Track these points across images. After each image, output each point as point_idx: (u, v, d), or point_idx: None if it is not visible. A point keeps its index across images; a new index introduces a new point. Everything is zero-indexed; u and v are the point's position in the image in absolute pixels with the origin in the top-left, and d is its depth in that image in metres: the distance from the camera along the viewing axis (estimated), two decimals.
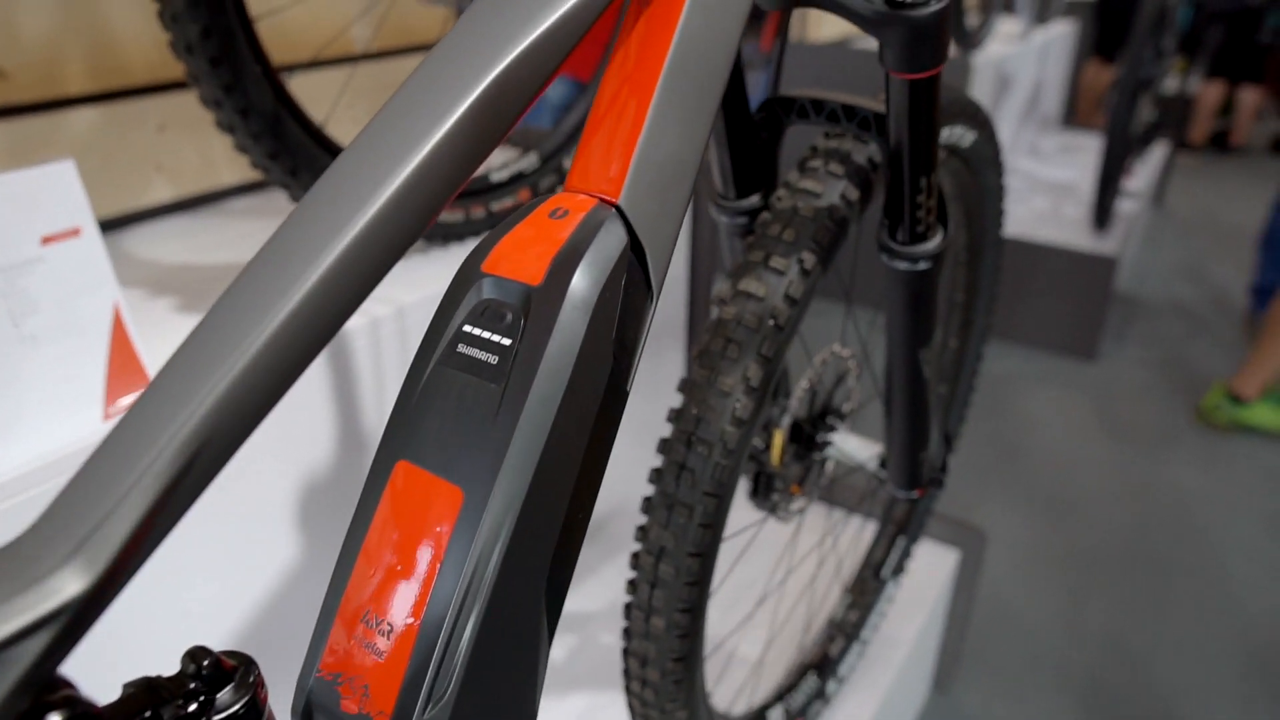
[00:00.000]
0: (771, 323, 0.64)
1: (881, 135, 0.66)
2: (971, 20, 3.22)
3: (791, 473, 0.91)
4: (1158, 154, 3.98)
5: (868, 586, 1.20)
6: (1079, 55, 4.47)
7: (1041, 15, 3.85)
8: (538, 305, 0.39)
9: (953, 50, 2.85)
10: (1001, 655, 1.69)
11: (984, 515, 2.07)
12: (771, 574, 1.20)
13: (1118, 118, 2.82)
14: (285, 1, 1.23)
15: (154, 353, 0.84)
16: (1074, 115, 4.82)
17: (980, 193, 1.00)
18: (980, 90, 2.87)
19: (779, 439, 0.87)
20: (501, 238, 0.42)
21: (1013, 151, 3.62)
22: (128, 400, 0.80)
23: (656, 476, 0.67)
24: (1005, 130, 3.39)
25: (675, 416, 0.66)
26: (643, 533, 0.68)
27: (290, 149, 0.92)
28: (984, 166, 0.96)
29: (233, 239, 1.19)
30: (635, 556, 0.69)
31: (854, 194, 0.68)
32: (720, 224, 0.75)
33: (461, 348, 0.40)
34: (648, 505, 0.68)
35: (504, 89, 0.38)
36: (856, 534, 1.33)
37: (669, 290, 1.43)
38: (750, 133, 0.71)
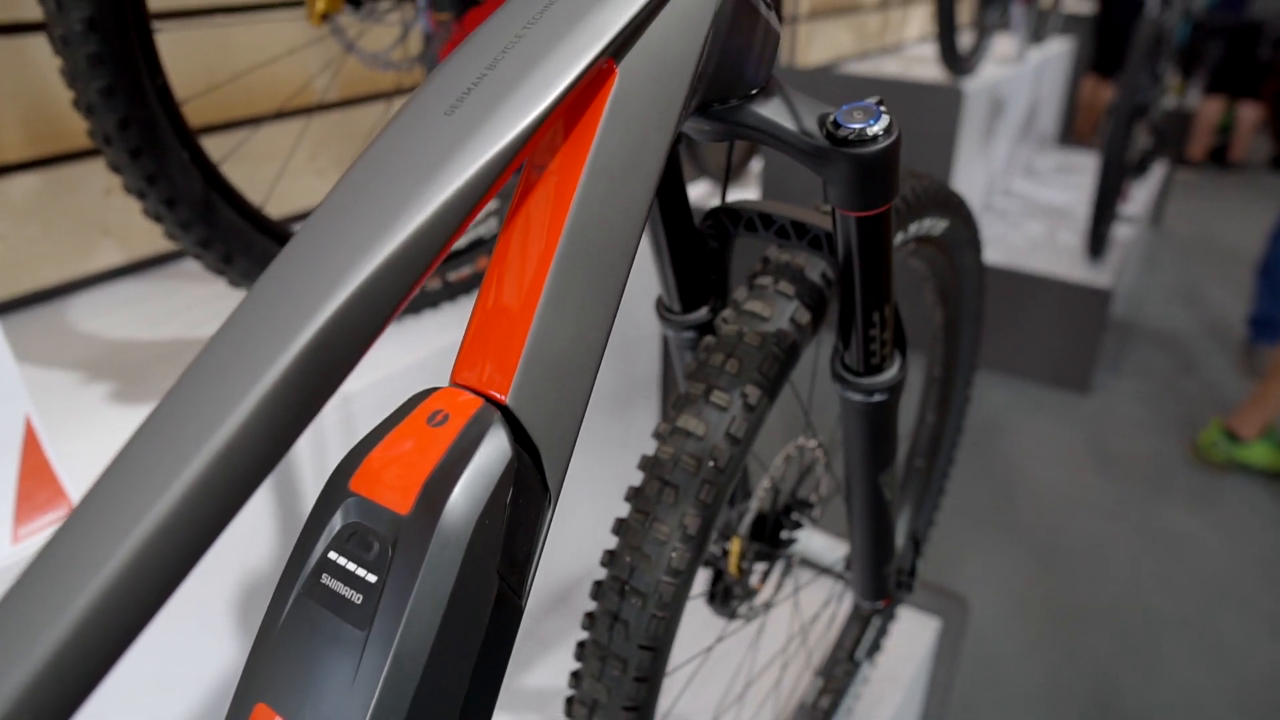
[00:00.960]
0: (712, 464, 0.59)
1: (834, 254, 0.61)
2: (964, 43, 3.18)
3: (753, 575, 0.87)
4: (1156, 173, 3.93)
5: (840, 669, 1.15)
6: (1076, 72, 4.42)
7: (1038, 34, 3.81)
8: (406, 538, 0.34)
9: (944, 76, 2.80)
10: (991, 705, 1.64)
11: (972, 561, 2.02)
12: (733, 678, 1.15)
13: (1112, 147, 2.77)
14: (219, 81, 1.18)
15: (76, 458, 0.79)
16: (1072, 132, 4.77)
17: (956, 273, 0.95)
18: (973, 116, 2.82)
19: (736, 546, 0.82)
20: (374, 447, 0.37)
21: (1008, 173, 3.58)
22: (40, 522, 0.75)
23: (590, 622, 0.62)
24: (999, 152, 3.34)
25: (609, 560, 0.61)
26: (575, 679, 0.64)
27: (224, 235, 0.88)
28: (959, 249, 0.91)
29: (181, 306, 1.15)
30: (569, 703, 0.64)
31: (805, 317, 0.63)
32: (668, 337, 0.71)
33: (325, 578, 0.35)
34: (580, 651, 0.63)
35: (366, 298, 0.33)
36: (828, 604, 1.28)
37: (645, 342, 1.39)
38: (695, 245, 0.66)
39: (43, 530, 0.75)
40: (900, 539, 1.21)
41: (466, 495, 0.35)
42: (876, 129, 0.49)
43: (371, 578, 0.34)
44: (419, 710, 0.33)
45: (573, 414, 0.40)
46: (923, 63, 3.29)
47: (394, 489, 0.35)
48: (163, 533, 0.29)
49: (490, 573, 0.36)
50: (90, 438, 0.86)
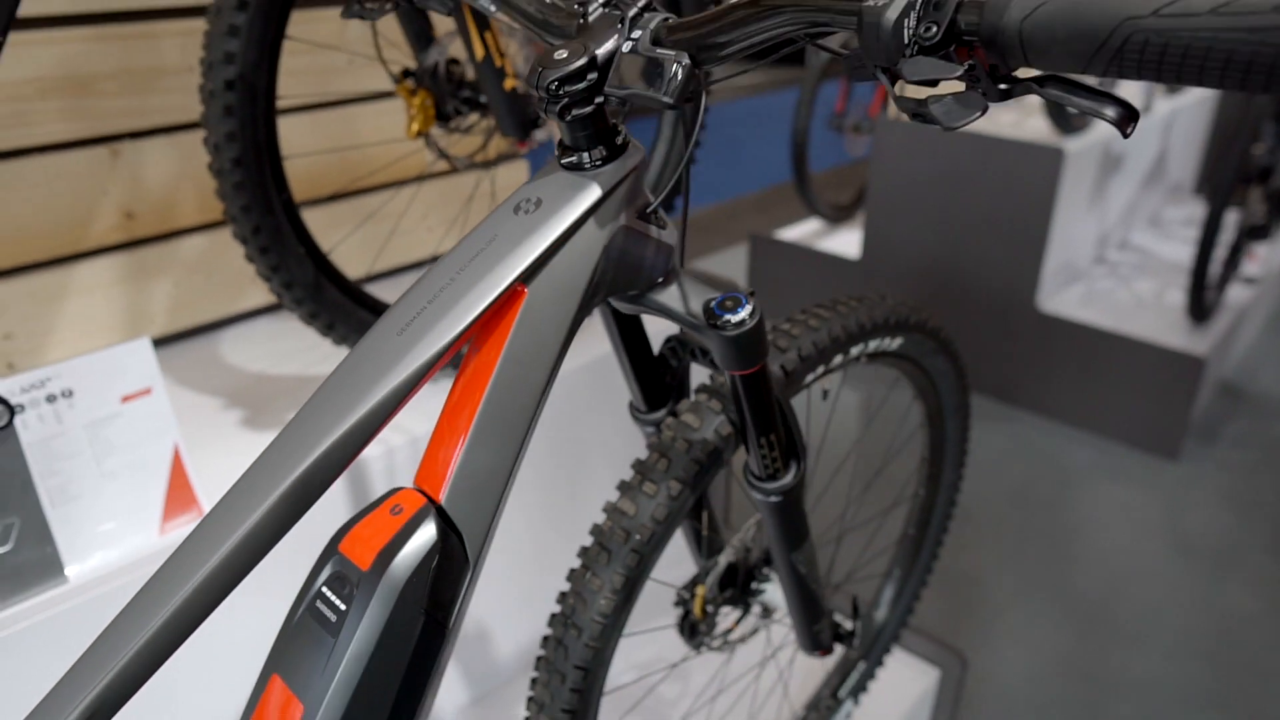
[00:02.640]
0: (637, 537, 0.79)
1: None
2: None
3: (719, 619, 1.05)
4: None
5: (823, 704, 1.32)
6: (1221, 118, 4.28)
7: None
8: (363, 586, 0.56)
9: (1048, 135, 2.85)
10: None
11: (1013, 616, 2.11)
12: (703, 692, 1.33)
13: (1215, 202, 2.76)
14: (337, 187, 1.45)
15: (211, 472, 1.05)
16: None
17: (927, 375, 1.10)
18: (1077, 175, 2.86)
19: (701, 593, 1.01)
20: (357, 523, 0.59)
21: (1128, 225, 3.55)
22: (180, 521, 1.02)
23: (544, 643, 0.83)
24: (1116, 205, 3.34)
25: (560, 598, 0.82)
26: (533, 683, 0.84)
27: (328, 309, 1.13)
28: (926, 356, 1.06)
29: (304, 346, 1.42)
30: (528, 701, 0.85)
31: (727, 429, 0.82)
32: (639, 428, 0.90)
33: (318, 602, 0.57)
34: (536, 664, 0.84)
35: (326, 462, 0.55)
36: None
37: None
38: (657, 364, 0.86)
39: (182, 528, 1.01)
40: (888, 600, 1.37)
41: (403, 561, 0.56)
42: (741, 316, 0.67)
43: (342, 606, 0.56)
44: (363, 689, 0.55)
45: (489, 509, 0.60)
46: (1042, 113, 3.33)
47: (363, 553, 0.57)
48: (232, 555, 0.52)
49: (418, 609, 0.57)
50: (223, 458, 1.13)
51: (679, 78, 0.55)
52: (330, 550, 0.59)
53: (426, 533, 0.57)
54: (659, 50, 0.56)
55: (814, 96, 3.51)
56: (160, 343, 1.42)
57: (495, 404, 0.59)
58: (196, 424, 1.20)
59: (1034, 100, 3.30)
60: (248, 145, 0.99)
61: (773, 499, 0.81)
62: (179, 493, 1.02)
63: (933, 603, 2.14)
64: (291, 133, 1.42)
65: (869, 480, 2.16)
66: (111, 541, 0.98)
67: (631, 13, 0.58)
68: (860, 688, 1.35)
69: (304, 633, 0.57)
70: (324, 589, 0.58)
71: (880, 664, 1.36)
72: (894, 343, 0.98)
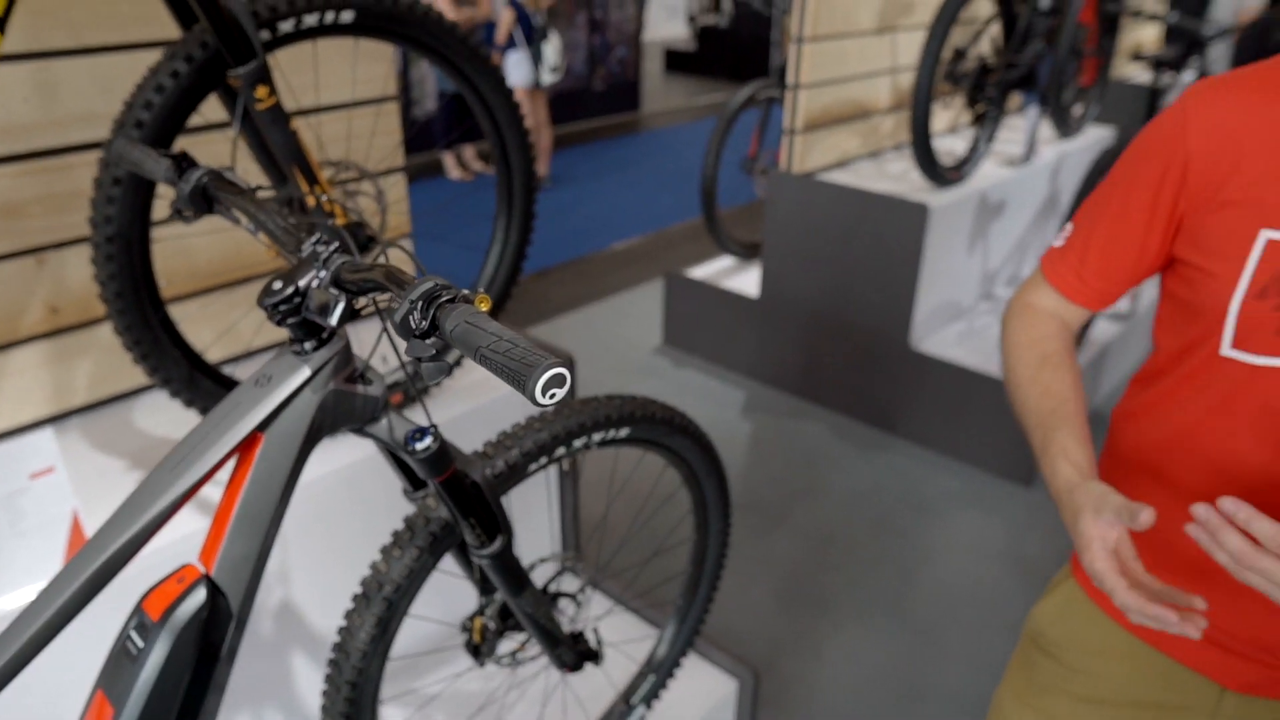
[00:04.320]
0: (388, 589, 1.09)
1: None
2: (960, 149, 3.51)
3: (498, 644, 1.35)
4: None
5: (617, 710, 1.62)
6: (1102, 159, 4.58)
7: (1065, 129, 4.05)
8: (154, 631, 0.86)
9: (919, 190, 3.15)
10: None
11: (846, 634, 2.41)
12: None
13: None
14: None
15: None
16: None
17: (670, 450, 1.40)
18: (946, 228, 3.17)
19: (478, 623, 1.31)
20: (155, 589, 0.89)
21: (1019, 261, 3.85)
22: None
23: (329, 663, 1.13)
24: (1001, 248, 3.64)
25: (339, 631, 1.12)
26: (323, 694, 1.14)
27: (201, 396, 1.43)
28: (661, 435, 1.35)
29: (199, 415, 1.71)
30: (321, 708, 1.15)
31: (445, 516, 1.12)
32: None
33: (127, 641, 0.87)
34: (325, 678, 1.14)
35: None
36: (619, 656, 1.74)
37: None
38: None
39: None
40: (670, 638, 1.65)
41: (180, 615, 0.86)
42: (426, 443, 0.97)
43: (142, 644, 0.86)
44: (154, 700, 0.85)
45: (247, 577, 0.90)
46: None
47: (156, 608, 0.87)
48: (57, 613, 0.81)
49: (191, 648, 0.87)
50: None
51: (338, 311, 0.85)
52: (137, 606, 0.89)
53: (198, 596, 0.87)
54: (330, 290, 0.86)
55: (723, 141, 3.82)
56: (83, 410, 1.72)
57: (246, 508, 0.89)
58: (101, 484, 1.49)
59: (942, 145, 3.60)
60: (125, 282, 1.29)
61: (485, 562, 1.11)
62: (77, 546, 1.32)
63: (779, 620, 2.44)
64: (195, 228, 1.71)
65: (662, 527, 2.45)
66: (21, 587, 1.28)
67: (324, 256, 0.88)
68: (653, 695, 1.65)
69: (118, 661, 0.87)
70: (131, 632, 0.88)
71: (671, 676, 1.66)
72: (622, 432, 1.28)
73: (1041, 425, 1.02)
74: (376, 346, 1.03)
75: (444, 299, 0.72)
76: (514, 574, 1.16)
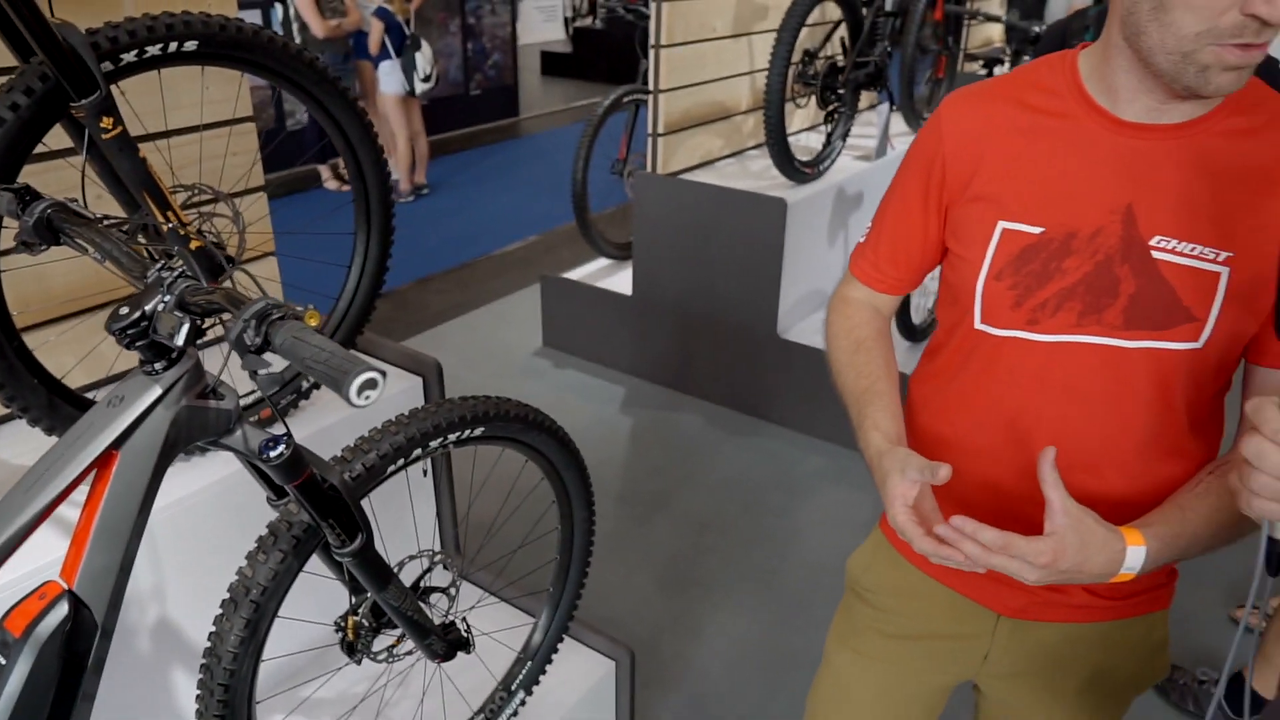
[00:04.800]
0: (255, 592, 1.15)
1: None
2: (814, 144, 3.70)
3: (372, 640, 1.41)
4: None
5: (497, 697, 1.70)
6: None
7: (916, 123, 4.29)
8: (16, 646, 0.90)
9: (781, 186, 3.31)
10: None
11: (724, 612, 2.54)
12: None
13: None
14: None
15: None
16: None
17: (528, 445, 1.48)
18: (806, 220, 3.35)
19: (351, 622, 1.37)
20: (17, 606, 0.93)
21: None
22: None
23: (201, 667, 1.18)
24: (854, 246, 3.85)
25: (209, 635, 1.17)
26: (197, 698, 1.19)
27: (63, 421, 1.45)
28: (516, 432, 1.44)
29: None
30: (196, 712, 1.20)
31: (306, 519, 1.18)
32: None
33: None
34: (199, 681, 1.19)
35: None
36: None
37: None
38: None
39: None
40: (545, 625, 1.74)
41: (42, 629, 0.90)
42: (278, 451, 1.03)
43: (3, 660, 0.90)
44: (21, 706, 0.89)
45: (108, 589, 0.95)
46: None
47: (17, 626, 0.91)
48: None
49: (55, 659, 0.91)
50: None
51: (183, 333, 0.91)
52: (2, 622, 0.93)
53: (60, 610, 0.92)
54: (175, 313, 0.92)
55: (591, 145, 3.92)
56: None
57: (105, 523, 0.94)
58: None
59: (803, 142, 3.76)
60: None
61: (346, 560, 1.18)
62: None
63: (659, 604, 2.56)
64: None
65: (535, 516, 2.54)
66: None
67: (169, 281, 0.94)
68: (532, 681, 1.73)
69: None
70: None
71: (549, 661, 1.75)
72: (477, 431, 1.36)
73: (857, 403, 1.16)
74: (225, 364, 1.09)
75: (275, 317, 0.79)
76: (377, 570, 1.23)
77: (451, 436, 1.32)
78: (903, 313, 3.32)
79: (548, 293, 3.98)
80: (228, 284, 0.99)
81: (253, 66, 1.50)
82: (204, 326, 0.94)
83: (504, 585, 2.03)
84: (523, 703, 1.73)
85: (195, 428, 1.01)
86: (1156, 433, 1.01)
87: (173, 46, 1.37)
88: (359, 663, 1.41)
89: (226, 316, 0.87)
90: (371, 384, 0.70)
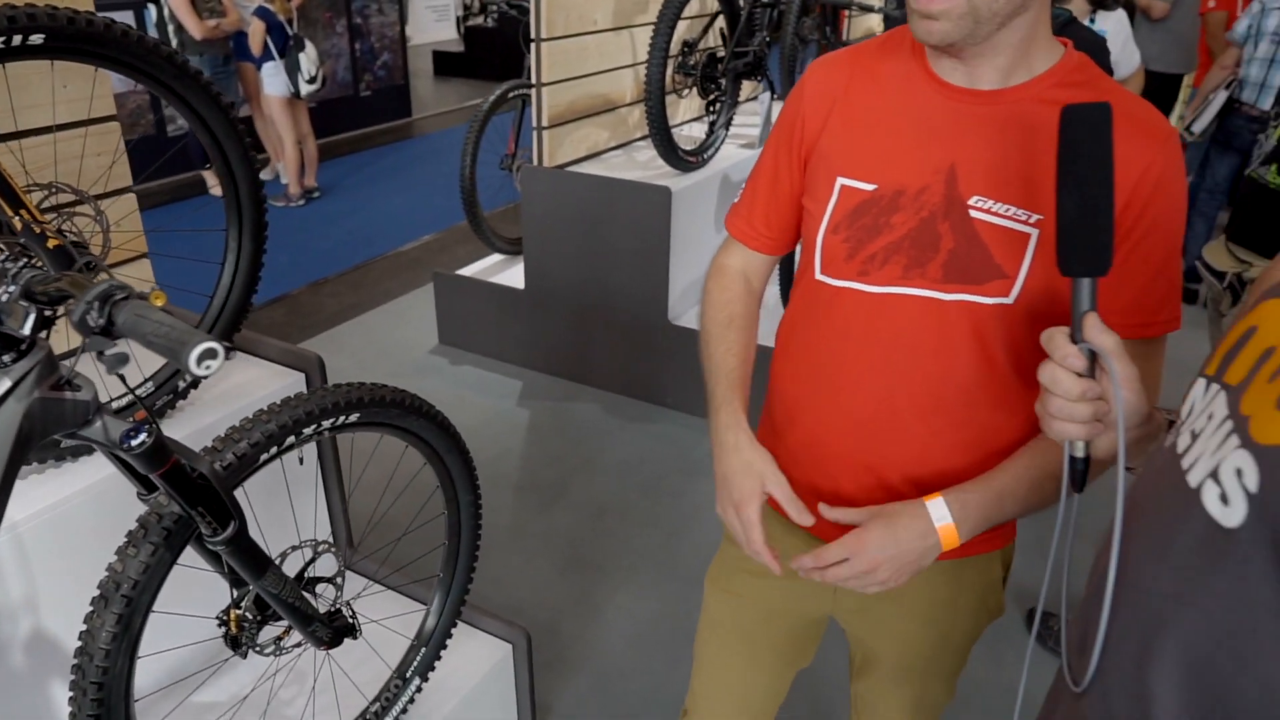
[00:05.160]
0: (125, 587, 1.14)
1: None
2: (700, 134, 3.77)
3: (257, 633, 1.41)
4: None
5: (392, 685, 1.71)
6: None
7: None
8: None
9: (666, 175, 3.38)
10: (593, 716, 2.21)
11: (623, 593, 2.59)
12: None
13: None
14: None
15: None
16: None
17: (407, 431, 1.50)
18: (690, 207, 3.41)
19: (234, 616, 1.37)
20: None
21: None
22: None
23: (72, 668, 1.17)
24: None
25: (80, 634, 1.16)
26: (70, 700, 1.18)
27: None
28: (394, 418, 1.45)
29: None
30: (69, 714, 1.18)
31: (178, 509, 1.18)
32: None
33: None
34: (70, 684, 1.17)
35: None
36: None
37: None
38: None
39: None
40: (437, 610, 1.76)
41: None
42: (140, 439, 1.03)
43: None
44: None
45: None
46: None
47: None
48: None
49: None
50: None
51: (29, 322, 0.90)
52: None
53: None
54: (20, 303, 0.91)
55: (478, 142, 3.92)
56: None
57: None
58: None
59: (687, 133, 3.84)
60: None
61: (220, 549, 1.18)
62: None
63: (560, 588, 2.59)
64: None
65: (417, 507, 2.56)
66: None
67: (13, 272, 0.93)
68: (427, 667, 1.75)
69: None
70: None
71: (444, 646, 1.77)
72: (352, 417, 1.37)
73: (725, 379, 1.22)
74: (78, 357, 1.08)
75: (119, 298, 0.80)
76: (254, 559, 1.23)
77: (326, 423, 1.33)
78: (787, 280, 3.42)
79: (441, 290, 3.96)
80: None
81: (108, 61, 1.47)
82: (52, 316, 0.94)
83: (394, 573, 2.04)
84: (419, 689, 1.74)
85: (51, 420, 1.00)
86: (979, 382, 1.09)
87: (16, 40, 1.34)
88: (244, 656, 1.41)
89: (72, 302, 0.87)
90: (211, 353, 0.72)
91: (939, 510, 1.06)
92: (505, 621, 1.96)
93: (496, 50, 11.14)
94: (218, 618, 1.38)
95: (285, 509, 1.78)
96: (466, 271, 3.97)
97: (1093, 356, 0.85)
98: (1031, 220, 1.03)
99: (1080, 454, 0.89)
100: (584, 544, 2.77)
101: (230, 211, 1.76)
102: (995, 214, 1.03)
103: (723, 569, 1.40)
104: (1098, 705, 0.82)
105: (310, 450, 1.90)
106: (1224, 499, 0.68)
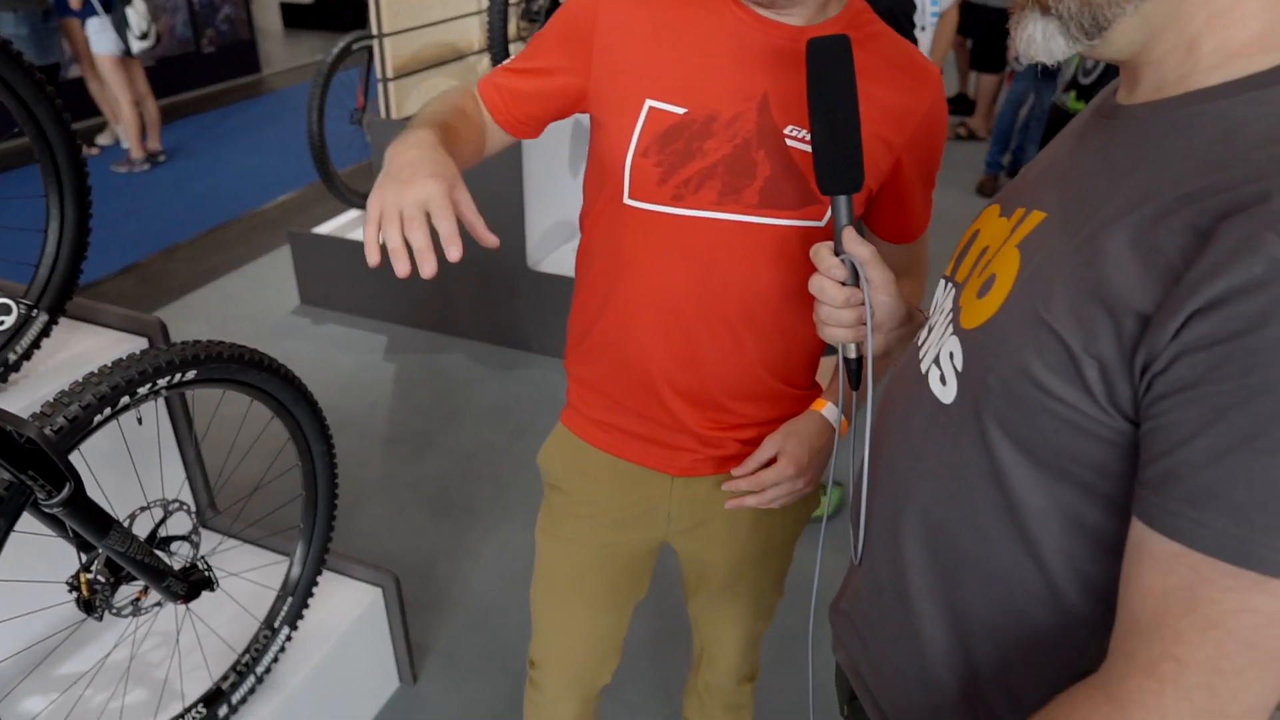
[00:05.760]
0: None
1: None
2: None
3: (111, 595, 1.42)
4: None
5: (261, 636, 1.74)
6: None
7: None
8: None
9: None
10: (471, 652, 2.28)
11: (496, 536, 2.66)
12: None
13: None
14: None
15: None
16: None
17: (250, 385, 1.52)
18: (543, 156, 3.44)
19: (84, 580, 1.38)
20: None
21: None
22: None
23: None
24: None
25: None
26: None
27: None
28: (234, 373, 1.46)
29: None
30: None
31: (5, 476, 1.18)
32: None
33: None
34: None
35: None
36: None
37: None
38: None
39: None
40: (300, 559, 1.79)
41: None
42: None
43: None
44: None
45: None
46: None
47: None
48: None
49: None
50: None
51: None
52: None
53: None
54: None
55: (323, 97, 3.83)
56: None
57: None
58: None
59: None
60: None
61: (57, 511, 1.19)
62: None
63: (433, 533, 2.65)
64: None
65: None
66: None
67: None
68: (295, 616, 1.78)
69: None
70: None
71: (310, 595, 1.81)
72: (189, 375, 1.38)
73: (434, 119, 1.06)
74: None
75: None
76: (95, 519, 1.24)
77: (162, 382, 1.34)
78: None
79: (298, 250, 3.89)
80: None
81: None
82: None
83: (251, 526, 2.06)
84: (289, 638, 1.78)
85: None
86: (786, 298, 1.15)
87: None
88: (100, 618, 1.42)
89: None
90: (4, 309, 0.74)
91: (831, 412, 1.20)
92: (372, 567, 2.01)
93: (349, 0, 10.73)
94: (67, 582, 1.38)
95: (145, 470, 1.77)
96: (323, 229, 3.91)
97: (854, 267, 0.95)
98: None
99: (852, 355, 0.99)
100: (455, 490, 2.83)
101: (48, 178, 1.71)
102: (808, 142, 1.07)
103: (550, 517, 1.42)
104: (868, 574, 0.94)
105: (160, 412, 1.89)
106: (943, 380, 0.79)
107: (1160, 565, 0.59)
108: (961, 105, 6.81)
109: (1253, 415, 0.54)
